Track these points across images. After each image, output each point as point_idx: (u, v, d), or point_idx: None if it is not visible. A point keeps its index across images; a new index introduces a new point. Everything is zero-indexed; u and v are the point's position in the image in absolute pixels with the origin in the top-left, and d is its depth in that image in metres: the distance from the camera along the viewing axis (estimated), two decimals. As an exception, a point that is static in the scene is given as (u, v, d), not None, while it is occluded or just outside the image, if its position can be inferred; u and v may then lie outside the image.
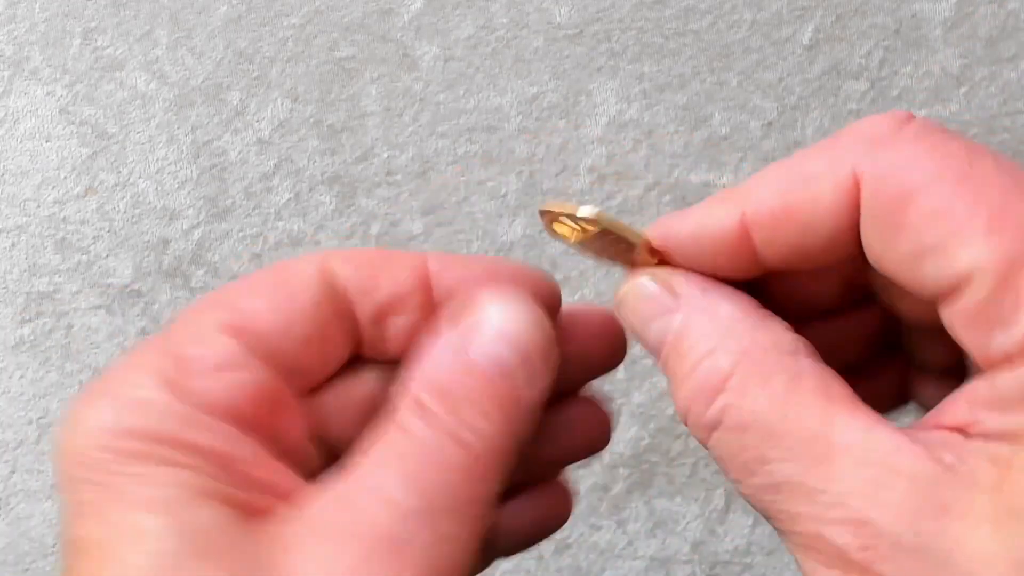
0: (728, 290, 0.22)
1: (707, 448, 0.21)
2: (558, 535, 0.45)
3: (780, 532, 0.20)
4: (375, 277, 0.23)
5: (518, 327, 0.22)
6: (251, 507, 0.20)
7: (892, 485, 0.18)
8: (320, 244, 0.45)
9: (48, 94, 0.46)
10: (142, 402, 0.20)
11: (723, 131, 0.45)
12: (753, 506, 0.20)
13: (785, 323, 0.22)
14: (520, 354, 0.22)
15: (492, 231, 0.45)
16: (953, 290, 0.19)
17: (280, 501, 0.21)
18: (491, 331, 0.22)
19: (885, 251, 0.20)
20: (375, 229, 0.45)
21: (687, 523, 0.45)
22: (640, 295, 0.23)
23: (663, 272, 0.23)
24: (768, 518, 0.20)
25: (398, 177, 0.45)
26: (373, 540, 0.19)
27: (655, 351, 0.22)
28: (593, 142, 0.45)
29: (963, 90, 0.45)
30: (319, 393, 0.23)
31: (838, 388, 0.20)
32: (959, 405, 0.19)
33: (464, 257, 0.24)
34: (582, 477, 0.45)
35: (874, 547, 0.18)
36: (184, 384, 0.21)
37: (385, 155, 0.45)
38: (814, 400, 0.20)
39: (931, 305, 0.21)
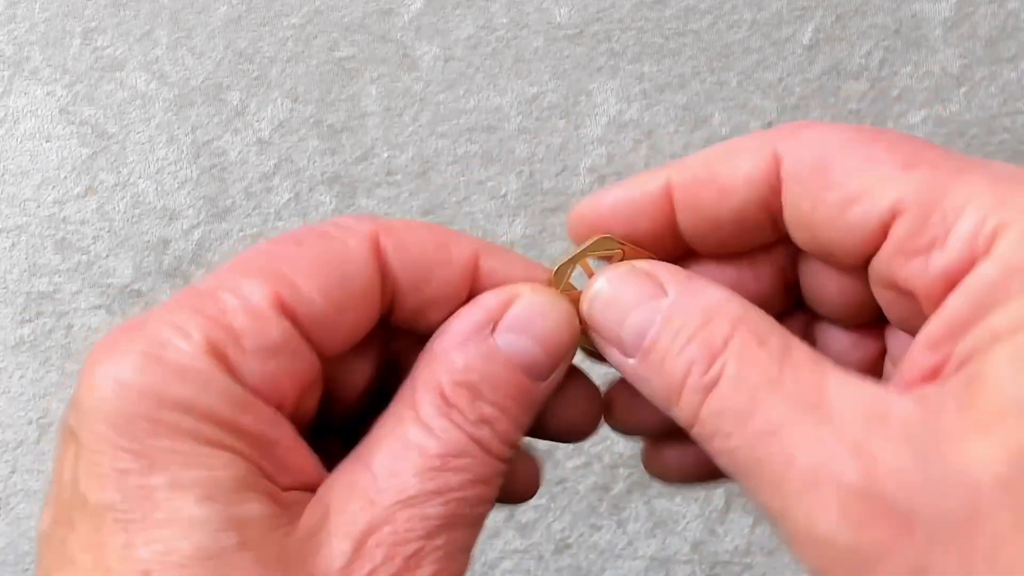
0: (710, 280, 0.22)
1: (696, 420, 0.21)
2: (558, 535, 0.45)
3: (768, 488, 0.19)
4: (427, 274, 0.22)
5: (548, 323, 0.22)
6: (285, 502, 0.20)
7: (885, 422, 0.19)
8: (320, 244, 0.45)
9: (48, 94, 0.46)
10: (190, 371, 0.19)
11: (723, 131, 0.45)
12: (737, 470, 0.20)
13: None
14: (547, 351, 0.22)
15: (492, 231, 0.45)
16: (882, 230, 0.20)
17: (308, 491, 0.21)
18: (521, 323, 0.22)
19: (814, 208, 0.21)
20: (375, 229, 0.45)
21: (687, 523, 0.45)
22: (620, 284, 0.22)
23: (642, 263, 0.23)
24: (756, 476, 0.20)
25: (398, 177, 0.45)
26: (393, 546, 0.20)
27: (634, 341, 0.22)
28: (593, 142, 0.45)
29: (963, 90, 0.45)
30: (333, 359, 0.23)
31: (824, 356, 0.21)
32: (920, 356, 0.20)
33: (517, 259, 0.24)
34: (582, 477, 0.45)
35: (875, 468, 0.18)
36: (235, 360, 0.20)
37: (385, 155, 0.45)
38: (806, 359, 0.20)
39: (857, 269, 0.22)
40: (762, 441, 0.19)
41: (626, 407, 0.25)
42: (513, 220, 0.45)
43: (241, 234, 0.46)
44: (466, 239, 0.23)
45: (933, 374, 0.19)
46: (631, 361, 0.22)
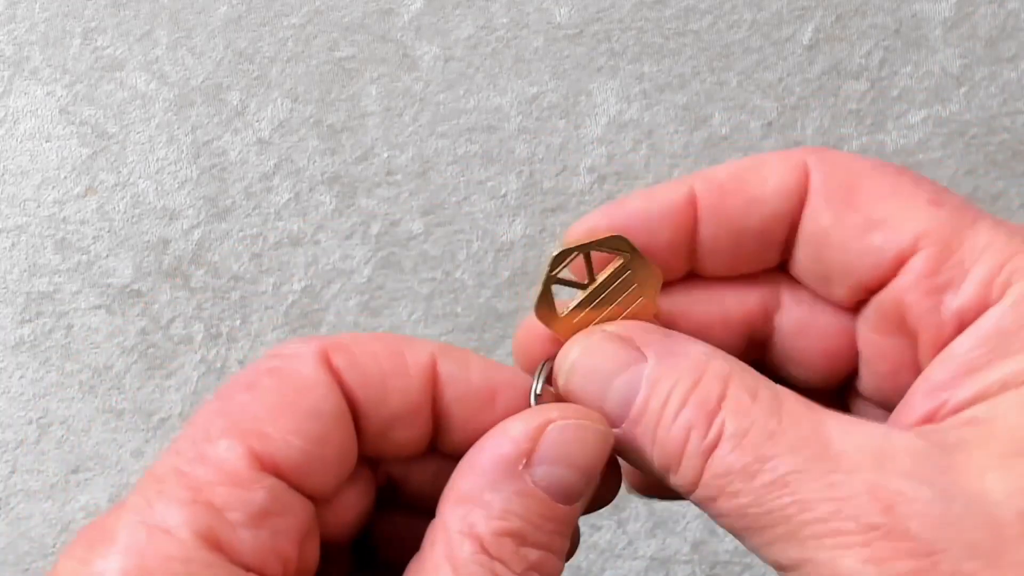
0: (686, 335, 0.22)
1: (698, 484, 0.20)
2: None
3: (783, 539, 0.19)
4: (383, 388, 0.21)
5: (587, 450, 0.21)
6: None
7: (895, 458, 0.18)
8: (320, 244, 0.45)
9: (48, 94, 0.46)
10: (179, 560, 0.18)
11: (723, 131, 0.45)
12: (746, 527, 0.19)
13: None
14: (586, 476, 0.21)
15: (492, 231, 0.45)
16: (899, 261, 0.20)
17: None
18: (559, 454, 0.20)
19: (834, 225, 0.21)
20: (375, 229, 0.45)
21: (687, 523, 0.45)
22: (597, 355, 0.21)
23: (615, 327, 0.22)
24: (769, 529, 0.19)
25: (398, 177, 0.45)
26: None
27: (619, 411, 0.21)
28: (593, 142, 0.45)
29: (963, 90, 0.45)
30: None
31: (812, 402, 0.20)
32: (917, 401, 0.20)
33: (475, 361, 0.22)
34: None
35: (895, 506, 0.18)
36: (226, 540, 0.18)
37: (385, 155, 0.45)
38: (800, 405, 0.20)
39: (848, 307, 0.22)
40: (773, 493, 0.19)
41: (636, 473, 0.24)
42: (513, 220, 0.45)
43: (241, 234, 0.46)
44: (420, 344, 0.22)
45: (929, 418, 0.19)
46: (617, 431, 0.21)
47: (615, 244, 0.22)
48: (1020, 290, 0.19)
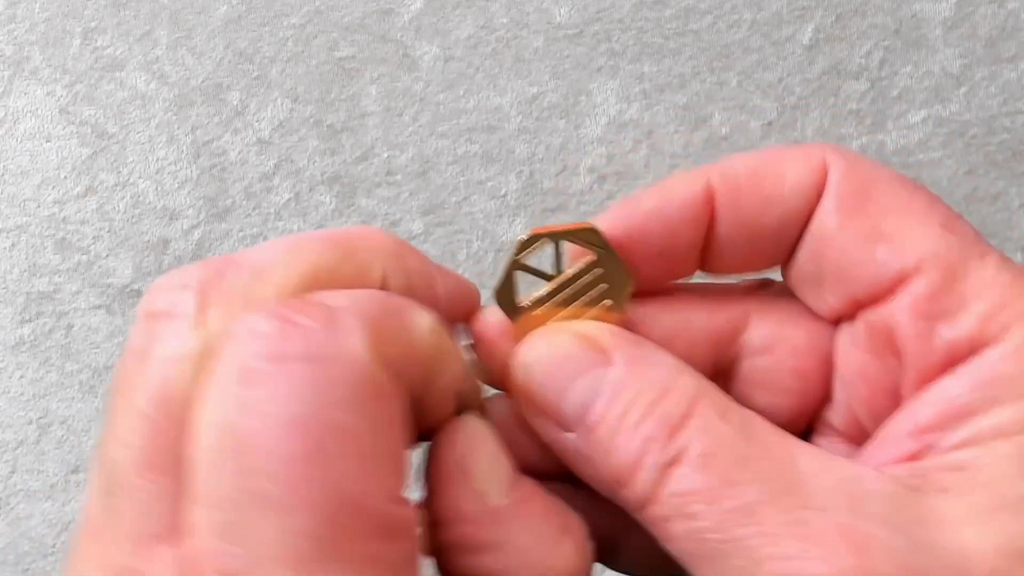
0: (656, 345, 0.21)
1: (653, 501, 0.19)
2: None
3: (739, 571, 0.18)
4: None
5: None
6: None
7: (871, 501, 0.18)
8: (320, 244, 0.45)
9: (48, 94, 0.46)
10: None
11: (723, 131, 0.45)
12: (700, 553, 0.18)
13: None
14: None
15: (492, 231, 0.45)
16: (899, 278, 0.19)
17: None
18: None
19: (842, 228, 0.20)
20: (375, 229, 0.45)
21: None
22: (559, 353, 0.20)
23: (582, 326, 0.21)
24: (726, 558, 0.18)
25: (398, 177, 0.45)
26: None
27: (576, 414, 0.20)
28: (593, 142, 0.45)
29: (963, 90, 0.45)
30: None
31: (784, 431, 0.19)
32: (899, 440, 0.19)
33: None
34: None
35: (868, 552, 0.17)
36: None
37: (385, 155, 0.45)
38: (771, 434, 0.19)
39: (832, 318, 0.21)
40: (737, 522, 0.18)
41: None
42: (513, 220, 0.45)
43: (241, 234, 0.46)
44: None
45: (912, 457, 0.19)
46: (570, 436, 0.20)
47: (587, 237, 0.21)
48: (1020, 334, 0.18)
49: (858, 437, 0.21)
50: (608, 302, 0.21)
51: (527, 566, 0.19)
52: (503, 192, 0.45)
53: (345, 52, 0.46)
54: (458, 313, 0.22)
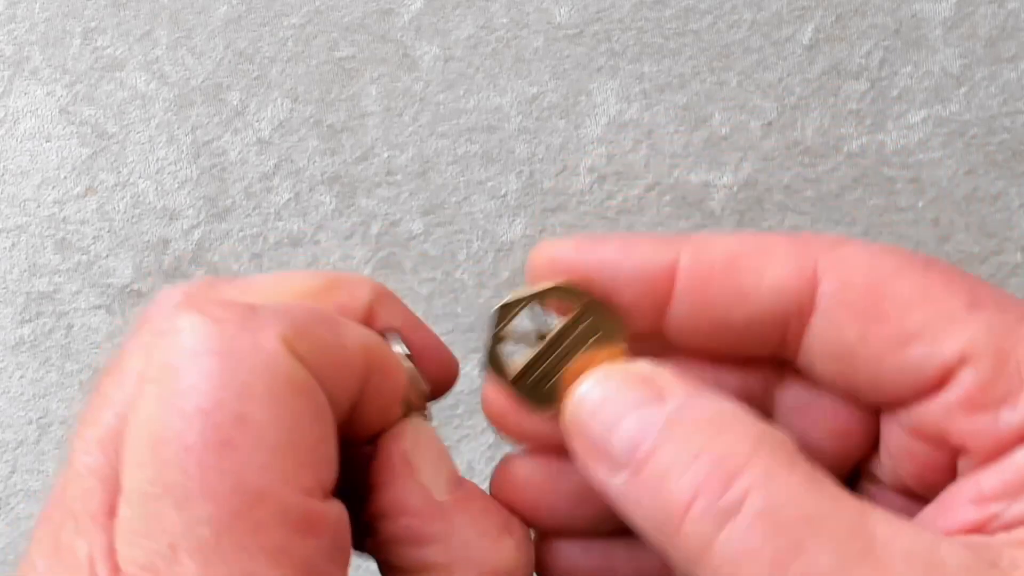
0: (711, 387, 0.19)
1: (705, 556, 0.17)
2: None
3: None
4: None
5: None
6: None
7: (946, 571, 0.16)
8: (320, 244, 0.45)
9: (48, 94, 0.46)
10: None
11: (723, 131, 0.45)
12: None
13: None
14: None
15: (492, 231, 0.45)
16: (943, 375, 0.18)
17: None
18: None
19: (861, 340, 0.19)
20: (375, 229, 0.45)
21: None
22: (611, 387, 0.19)
23: (639, 367, 0.19)
24: None
25: (398, 177, 0.45)
26: None
27: (625, 454, 0.18)
28: (593, 142, 0.45)
29: (963, 90, 0.45)
30: None
31: (850, 489, 0.18)
32: (961, 507, 0.18)
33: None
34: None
35: None
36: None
37: (385, 155, 0.45)
38: (840, 490, 0.17)
39: (876, 410, 0.19)
40: None
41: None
42: (513, 220, 0.45)
43: (241, 234, 0.46)
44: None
45: (976, 529, 0.18)
46: (619, 479, 0.18)
47: (564, 294, 0.20)
48: None
49: (909, 491, 0.20)
50: (609, 348, 0.20)
51: (468, 560, 0.19)
52: (503, 192, 0.45)
53: (345, 52, 0.46)
54: (431, 367, 0.22)
